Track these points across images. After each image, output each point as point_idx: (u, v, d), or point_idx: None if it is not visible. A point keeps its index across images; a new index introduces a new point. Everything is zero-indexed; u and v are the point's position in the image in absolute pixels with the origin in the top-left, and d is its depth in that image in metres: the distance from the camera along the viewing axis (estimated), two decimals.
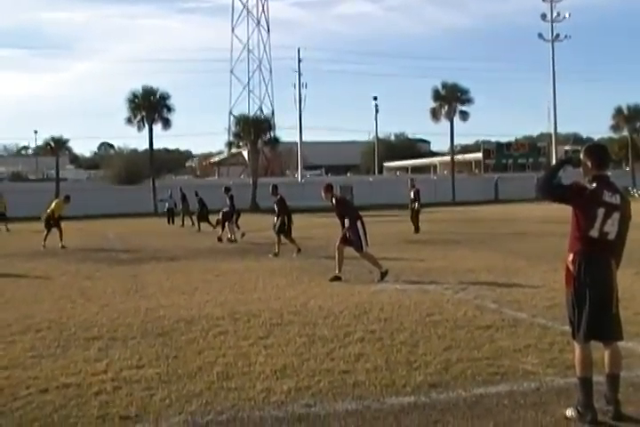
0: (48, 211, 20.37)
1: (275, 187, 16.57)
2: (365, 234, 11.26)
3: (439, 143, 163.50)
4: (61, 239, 19.59)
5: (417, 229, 21.43)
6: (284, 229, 15.88)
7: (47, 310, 9.14)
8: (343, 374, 5.61)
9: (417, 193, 22.11)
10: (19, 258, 16.82)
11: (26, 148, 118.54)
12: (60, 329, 7.76)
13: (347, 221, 11.25)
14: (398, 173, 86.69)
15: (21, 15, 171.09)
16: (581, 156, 4.69)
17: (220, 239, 20.34)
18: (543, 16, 59.01)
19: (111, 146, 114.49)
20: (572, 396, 4.74)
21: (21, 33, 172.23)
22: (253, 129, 47.95)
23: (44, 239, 19.63)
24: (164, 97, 47.29)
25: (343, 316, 8.05)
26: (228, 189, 21.47)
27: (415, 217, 21.70)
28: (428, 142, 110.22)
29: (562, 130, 78.30)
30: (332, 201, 11.69)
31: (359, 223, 11.24)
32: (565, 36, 59.17)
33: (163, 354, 6.46)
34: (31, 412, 4.89)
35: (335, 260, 11.36)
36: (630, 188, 38.18)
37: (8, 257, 17.22)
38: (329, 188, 11.97)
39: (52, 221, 20.01)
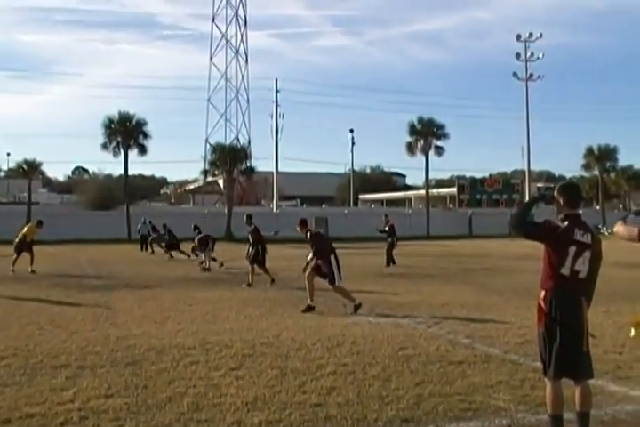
0: (20, 235, 20.14)
1: (249, 216, 16.57)
2: (339, 268, 11.32)
3: (414, 177, 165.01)
4: (32, 264, 19.37)
5: (388, 263, 21.58)
6: (259, 259, 15.84)
7: (14, 336, 8.97)
8: (315, 407, 5.57)
9: (392, 227, 22.60)
10: None
11: None
12: (26, 357, 7.61)
13: (311, 255, 11.50)
14: (373, 206, 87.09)
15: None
16: (555, 194, 4.77)
17: (205, 268, 20.21)
18: (517, 55, 60.51)
19: (85, 170, 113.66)
20: None
21: None
22: (229, 158, 48.08)
23: (13, 263, 19.37)
24: (141, 123, 47.28)
25: (315, 348, 8.01)
26: (196, 227, 21.81)
27: (390, 250, 21.96)
28: (403, 176, 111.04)
29: (535, 167, 79.41)
30: (306, 235, 11.82)
31: (333, 257, 11.32)
32: (539, 76, 60.70)
33: (132, 384, 6.36)
34: None
35: (306, 290, 11.38)
36: (600, 226, 38.74)
37: None
38: (303, 223, 12.18)
39: (24, 246, 19.78)
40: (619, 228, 4.74)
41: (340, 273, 11.33)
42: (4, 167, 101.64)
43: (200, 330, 9.38)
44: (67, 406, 5.61)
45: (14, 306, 12.14)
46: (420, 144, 51.96)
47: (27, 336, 8.94)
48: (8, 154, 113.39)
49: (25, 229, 20.40)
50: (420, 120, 52.22)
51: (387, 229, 22.71)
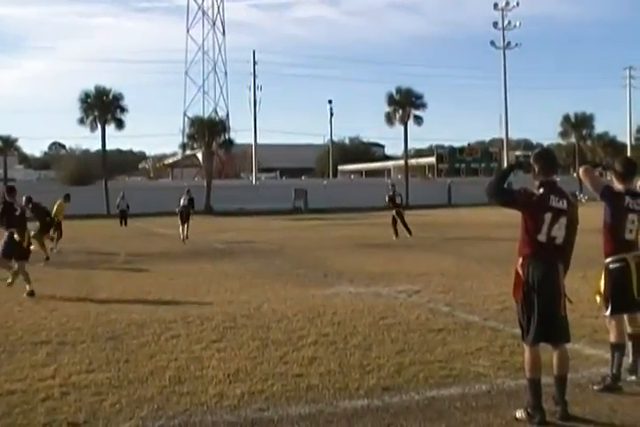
0: (53, 215, 19.66)
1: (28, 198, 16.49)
2: (9, 246, 10.78)
3: (393, 147, 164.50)
4: (56, 243, 18.56)
5: (410, 232, 20.70)
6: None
7: None
8: (296, 377, 5.60)
9: (396, 197, 21.83)
10: None
11: None
12: (5, 334, 7.57)
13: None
14: (353, 177, 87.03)
15: None
16: (531, 161, 4.78)
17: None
18: (495, 24, 60.25)
19: (62, 146, 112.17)
20: (522, 397, 4.81)
21: None
22: (208, 131, 47.70)
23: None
24: (117, 97, 46.79)
25: (297, 319, 8.04)
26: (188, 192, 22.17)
27: (402, 221, 21.15)
28: (382, 146, 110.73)
29: (513, 136, 79.71)
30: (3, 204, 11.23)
31: (8, 233, 10.80)
32: (516, 44, 60.63)
33: (113, 358, 6.35)
34: None
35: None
36: (577, 193, 38.98)
37: None
38: (11, 190, 11.34)
39: (59, 224, 18.99)
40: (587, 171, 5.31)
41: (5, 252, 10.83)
42: None
43: (181, 303, 9.38)
44: (48, 383, 5.59)
45: None
46: (399, 114, 51.85)
47: (6, 313, 8.88)
48: None
49: (55, 208, 19.24)
50: (399, 90, 52.03)
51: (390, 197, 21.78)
